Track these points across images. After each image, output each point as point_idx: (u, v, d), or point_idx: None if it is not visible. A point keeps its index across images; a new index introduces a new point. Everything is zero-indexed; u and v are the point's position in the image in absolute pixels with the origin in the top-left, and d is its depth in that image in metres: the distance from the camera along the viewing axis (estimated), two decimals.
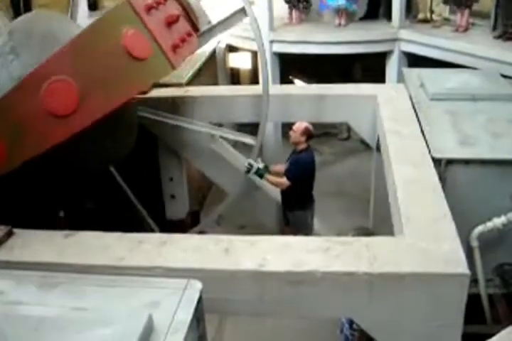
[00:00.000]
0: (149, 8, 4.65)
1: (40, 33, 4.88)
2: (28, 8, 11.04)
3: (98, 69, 4.40)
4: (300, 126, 6.45)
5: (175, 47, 4.84)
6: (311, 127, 6.47)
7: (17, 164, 4.47)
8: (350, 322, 5.25)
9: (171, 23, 4.92)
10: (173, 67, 4.74)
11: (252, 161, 6.50)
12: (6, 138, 4.44)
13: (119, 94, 4.51)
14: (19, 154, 4.45)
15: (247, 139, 6.87)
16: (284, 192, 6.68)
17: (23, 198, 5.19)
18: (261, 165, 6.52)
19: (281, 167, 6.78)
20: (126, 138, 5.92)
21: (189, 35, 5.35)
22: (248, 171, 6.51)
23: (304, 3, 10.06)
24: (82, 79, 4.34)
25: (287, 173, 6.48)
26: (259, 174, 6.51)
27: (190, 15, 5.62)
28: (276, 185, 6.63)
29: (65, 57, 4.39)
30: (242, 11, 6.30)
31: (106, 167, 5.97)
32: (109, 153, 5.68)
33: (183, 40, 5.07)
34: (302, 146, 6.50)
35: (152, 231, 6.56)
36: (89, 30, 4.52)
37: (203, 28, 6.07)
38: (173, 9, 5.18)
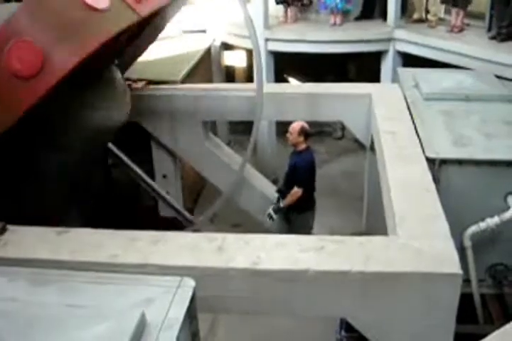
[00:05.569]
0: None
1: None
2: None
3: (56, 23, 4.26)
4: (296, 126, 6.41)
5: None
6: (306, 126, 6.44)
7: None
8: (342, 325, 5.25)
9: None
10: (139, 15, 4.54)
11: (271, 211, 6.68)
12: None
13: (82, 46, 4.32)
14: None
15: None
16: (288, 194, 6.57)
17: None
18: (275, 207, 6.69)
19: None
20: (119, 102, 5.81)
21: None
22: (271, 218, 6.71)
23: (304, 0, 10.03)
24: (42, 36, 4.20)
25: (297, 178, 6.40)
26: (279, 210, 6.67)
27: None
28: (293, 200, 6.47)
29: (21, 18, 4.22)
30: None
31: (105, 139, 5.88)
32: (105, 120, 5.57)
33: None
34: (302, 146, 6.46)
35: None
36: None
37: None
38: None
